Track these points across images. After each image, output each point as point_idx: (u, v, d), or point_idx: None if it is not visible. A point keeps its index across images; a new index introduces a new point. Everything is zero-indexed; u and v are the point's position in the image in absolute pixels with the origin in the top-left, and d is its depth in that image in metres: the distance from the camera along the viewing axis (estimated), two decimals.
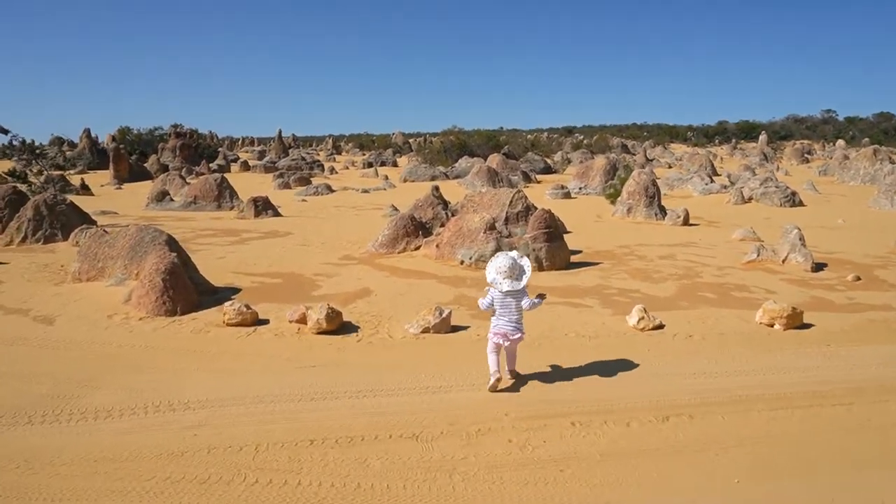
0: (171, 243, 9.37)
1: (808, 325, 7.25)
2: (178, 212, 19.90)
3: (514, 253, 5.82)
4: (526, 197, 12.39)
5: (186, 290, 7.96)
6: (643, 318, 6.98)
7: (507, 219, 12.12)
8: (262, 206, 18.66)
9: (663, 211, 19.06)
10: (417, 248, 12.00)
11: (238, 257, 11.62)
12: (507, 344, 5.48)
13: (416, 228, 12.20)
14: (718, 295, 8.91)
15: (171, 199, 21.11)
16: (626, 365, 5.98)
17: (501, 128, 72.83)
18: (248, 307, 7.24)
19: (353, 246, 12.89)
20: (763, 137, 58.20)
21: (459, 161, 36.52)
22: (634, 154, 45.44)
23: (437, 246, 11.33)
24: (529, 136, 58.09)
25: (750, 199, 23.15)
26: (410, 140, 63.18)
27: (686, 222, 17.68)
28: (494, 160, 32.28)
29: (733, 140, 65.12)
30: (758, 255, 11.03)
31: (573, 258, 11.50)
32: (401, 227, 12.07)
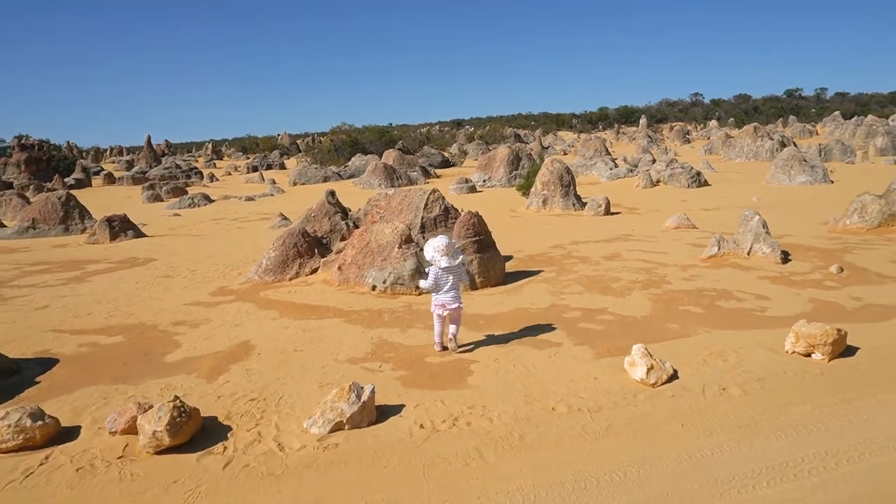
0: None
1: (852, 349, 5.33)
2: (12, 240, 15.78)
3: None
4: (443, 198, 9.95)
5: None
6: (653, 366, 4.75)
7: (423, 226, 9.65)
8: (120, 227, 15.05)
9: (580, 200, 17.33)
10: (314, 272, 9.27)
11: (68, 304, 8.36)
12: (447, 313, 5.79)
13: (310, 246, 9.44)
14: (705, 308, 6.90)
15: (2, 226, 16.87)
16: (680, 482, 3.65)
17: (391, 123, 70.15)
18: (38, 416, 4.28)
19: (233, 273, 9.92)
20: (643, 121, 59.27)
21: (353, 159, 33.60)
22: (528, 143, 44.34)
23: (340, 268, 8.66)
24: (422, 129, 55.84)
25: (658, 181, 22.06)
26: (298, 140, 58.97)
27: (608, 211, 16.00)
28: (391, 156, 29.69)
29: (616, 125, 66.22)
30: (719, 249, 9.24)
31: (507, 266, 9.23)
32: (290, 245, 9.27)
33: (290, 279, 9.07)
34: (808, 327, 5.20)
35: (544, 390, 4.75)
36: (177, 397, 4.23)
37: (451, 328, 5.90)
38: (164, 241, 14.51)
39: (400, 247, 8.32)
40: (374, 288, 8.17)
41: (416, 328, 6.70)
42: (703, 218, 14.11)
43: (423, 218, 9.66)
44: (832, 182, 21.07)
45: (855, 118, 42.99)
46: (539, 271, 9.23)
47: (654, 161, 26.85)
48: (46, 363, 6.07)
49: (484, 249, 8.56)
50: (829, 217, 13.41)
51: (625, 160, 30.15)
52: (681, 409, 4.35)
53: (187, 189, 27.85)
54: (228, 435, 4.27)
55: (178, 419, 4.03)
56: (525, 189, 19.38)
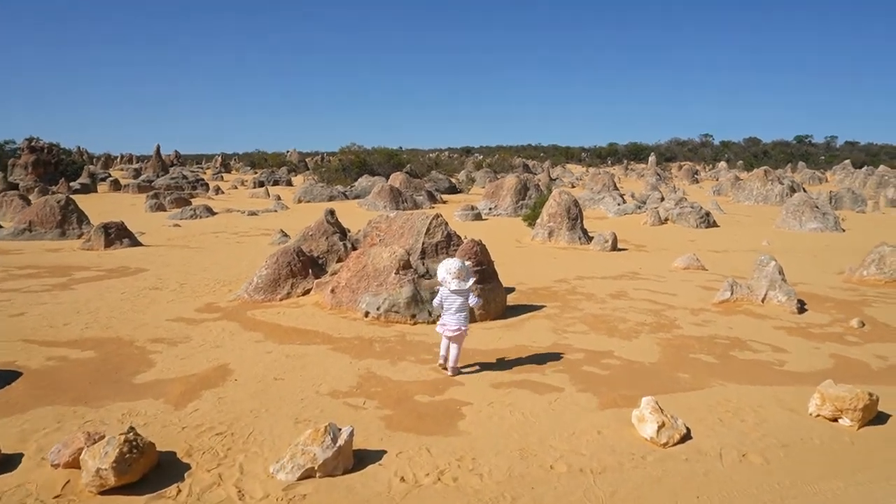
0: None
1: (883, 416, 4.82)
2: (6, 241, 15.43)
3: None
4: (446, 223, 9.55)
5: None
6: (664, 423, 4.26)
7: (423, 251, 9.22)
8: (116, 234, 14.67)
9: (587, 234, 16.92)
10: (307, 293, 8.82)
11: (46, 312, 7.92)
12: (450, 335, 5.76)
13: (304, 266, 9.01)
14: (718, 358, 6.41)
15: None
16: None
17: (401, 147, 70.32)
18: None
19: (223, 289, 9.49)
20: (652, 158, 59.18)
21: (359, 180, 33.35)
22: (536, 174, 44.15)
23: (333, 290, 8.22)
24: (431, 154, 55.85)
25: (666, 219, 21.66)
26: (307, 159, 58.98)
27: (615, 247, 15.56)
28: (398, 179, 29.43)
29: (624, 161, 66.16)
30: (732, 294, 8.76)
31: (508, 298, 8.77)
32: (283, 264, 8.85)
33: (281, 299, 8.62)
34: (835, 389, 4.71)
35: (542, 443, 4.26)
36: (131, 429, 3.76)
37: (453, 350, 5.83)
38: (160, 251, 14.11)
39: (397, 272, 7.89)
40: (367, 314, 7.71)
41: (408, 361, 6.23)
42: (712, 260, 13.66)
43: (423, 243, 9.24)
44: (843, 231, 20.62)
45: (865, 168, 42.71)
46: (542, 306, 8.77)
47: (662, 199, 26.50)
48: (7, 377, 5.60)
49: (485, 280, 8.11)
50: (843, 266, 12.94)
51: (632, 196, 29.82)
52: (696, 476, 3.85)
53: (191, 200, 27.56)
54: (186, 475, 3.78)
55: (127, 455, 3.55)
56: (531, 220, 18.99)
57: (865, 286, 10.74)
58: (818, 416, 4.76)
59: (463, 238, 9.54)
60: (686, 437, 4.33)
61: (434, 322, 7.44)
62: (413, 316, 7.64)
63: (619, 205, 24.61)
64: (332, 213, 10.02)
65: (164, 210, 25.07)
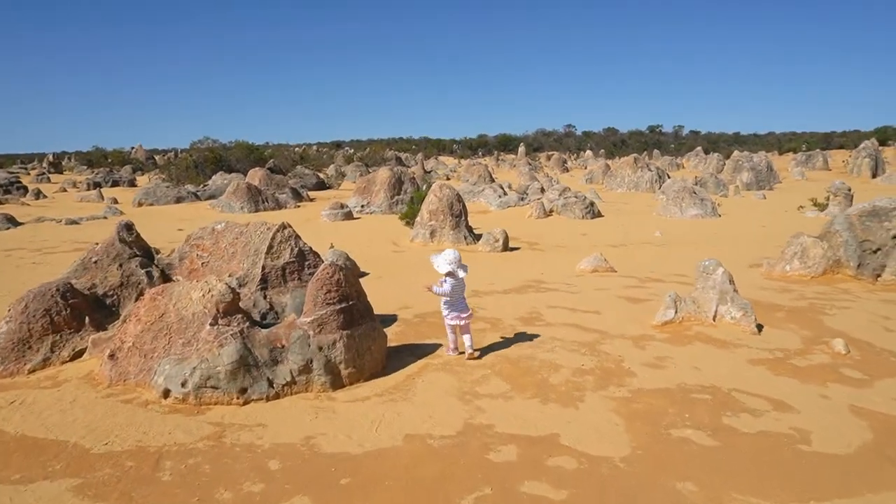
0: None
1: None
2: None
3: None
4: (296, 237, 6.67)
5: None
6: None
7: (264, 279, 6.30)
8: None
9: (472, 233, 14.66)
10: (78, 356, 5.61)
11: None
12: (462, 323, 5.84)
13: (75, 313, 5.77)
14: (714, 434, 4.15)
15: None
16: None
17: (267, 143, 64.98)
18: None
19: None
20: (522, 149, 58.95)
21: (214, 178, 29.07)
22: (410, 166, 41.72)
23: (113, 356, 5.10)
24: (297, 149, 51.58)
25: (551, 211, 20.01)
26: (157, 156, 52.17)
27: (506, 247, 13.40)
28: (256, 176, 25.66)
29: (495, 152, 65.60)
30: (676, 312, 6.71)
31: (389, 334, 6.13)
32: (37, 313, 5.56)
33: (32, 371, 5.35)
34: None
35: None
36: None
37: (466, 339, 5.90)
38: None
39: (215, 322, 4.94)
40: (166, 394, 4.71)
41: (222, 500, 3.39)
42: (615, 257, 11.83)
43: (265, 267, 6.32)
44: (720, 216, 20.09)
45: (717, 154, 44.62)
46: (436, 345, 6.20)
47: (542, 189, 25.04)
48: None
49: (354, 322, 5.38)
50: (751, 258, 11.65)
51: (510, 187, 28.24)
52: None
53: None
54: None
55: None
56: (409, 218, 16.43)
57: (793, 283, 9.27)
58: None
59: (321, 257, 6.73)
60: None
61: (279, 396, 4.69)
62: (243, 391, 4.76)
63: (500, 197, 22.74)
64: (128, 227, 6.78)
65: None
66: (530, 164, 46.23)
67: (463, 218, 14.62)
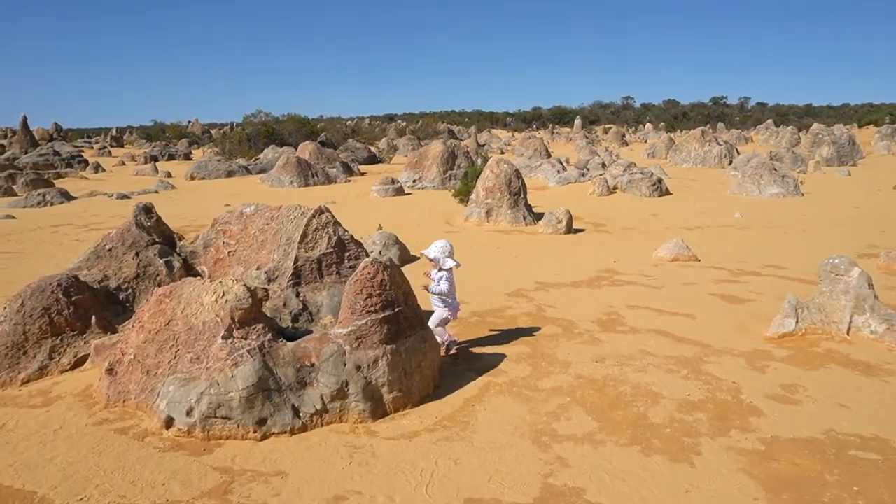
0: None
1: None
2: None
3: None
4: (335, 222, 5.62)
5: None
6: None
7: (297, 274, 5.29)
8: None
9: (532, 212, 13.38)
10: (81, 363, 4.76)
11: None
12: (454, 318, 5.44)
13: (80, 311, 4.91)
14: None
15: None
16: None
17: (321, 116, 64.56)
18: None
19: None
20: (578, 122, 56.52)
21: (265, 151, 28.55)
22: (463, 139, 40.35)
23: (112, 371, 4.19)
24: (349, 122, 50.84)
25: (615, 188, 18.45)
26: (213, 130, 52.38)
27: (570, 228, 12.08)
28: (307, 149, 24.91)
29: (550, 125, 63.24)
30: (797, 322, 5.36)
31: (442, 346, 5.08)
32: (34, 313, 4.71)
33: (26, 381, 4.52)
34: None
35: None
36: None
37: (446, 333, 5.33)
38: None
39: (229, 335, 3.94)
40: (169, 423, 3.77)
41: None
42: (693, 242, 10.36)
43: (297, 259, 5.30)
44: (802, 195, 18.07)
45: (790, 127, 41.41)
46: (500, 356, 5.09)
47: (604, 165, 23.36)
48: None
49: (401, 333, 4.30)
50: (858, 246, 9.99)
51: (567, 162, 26.60)
52: None
53: (53, 181, 22.18)
54: None
55: None
56: (463, 195, 15.25)
57: None
58: None
59: (365, 248, 5.66)
60: None
61: (305, 428, 3.69)
62: (261, 422, 3.77)
63: (559, 172, 21.25)
64: (147, 210, 5.88)
65: (14, 195, 19.74)
66: (587, 138, 44.12)
67: (522, 196, 13.35)
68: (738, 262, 9.02)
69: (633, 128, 63.81)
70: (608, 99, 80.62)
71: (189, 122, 54.63)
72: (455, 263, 5.21)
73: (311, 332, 4.82)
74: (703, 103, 75.37)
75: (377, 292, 4.21)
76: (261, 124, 34.11)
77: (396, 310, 4.30)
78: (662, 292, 7.20)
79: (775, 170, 18.83)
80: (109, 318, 5.10)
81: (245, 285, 4.14)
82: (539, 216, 12.97)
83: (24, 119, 31.80)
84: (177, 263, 5.69)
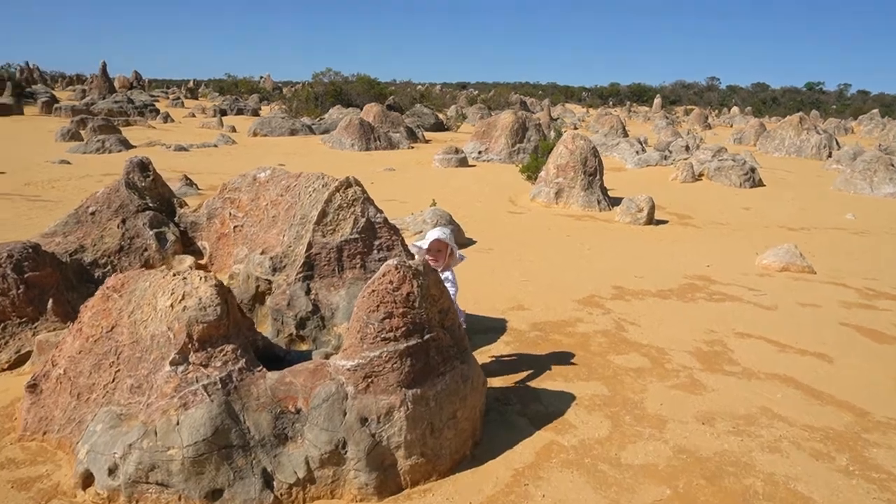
0: None
1: None
2: None
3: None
4: (364, 200, 4.29)
5: None
6: None
7: (310, 263, 4.03)
8: None
9: (608, 196, 11.71)
10: (22, 362, 3.69)
11: None
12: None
13: (36, 294, 3.83)
14: None
15: None
16: None
17: (393, 80, 63.32)
18: None
19: None
20: (658, 101, 52.95)
21: (331, 111, 27.58)
22: (535, 112, 38.23)
23: (35, 387, 3.07)
24: (420, 87, 49.36)
25: (701, 175, 16.37)
26: (285, 87, 52.01)
27: (651, 219, 10.38)
28: (371, 111, 23.72)
29: (627, 102, 59.67)
30: None
31: (489, 370, 3.75)
32: None
33: None
34: None
35: None
36: None
37: None
38: None
39: (183, 360, 2.71)
40: (87, 482, 2.59)
41: None
42: (803, 248, 8.51)
43: (311, 245, 4.03)
44: None
45: None
46: (569, 396, 3.69)
47: (687, 148, 21.08)
48: None
49: (432, 371, 2.96)
50: None
51: (646, 142, 24.34)
52: None
53: (120, 129, 21.92)
54: None
55: None
56: (531, 171, 13.67)
57: None
58: None
59: (403, 239, 4.32)
60: None
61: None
62: (213, 495, 2.53)
63: (637, 153, 19.23)
64: (142, 166, 4.73)
65: (80, 140, 19.53)
66: (667, 118, 41.09)
67: (598, 177, 11.68)
68: (866, 279, 7.19)
69: (717, 111, 59.44)
70: (691, 79, 75.53)
71: (261, 77, 54.50)
72: (463, 257, 3.99)
73: (315, 349, 3.55)
74: (797, 88, 69.31)
75: (400, 311, 2.87)
76: (329, 83, 33.16)
77: (427, 337, 2.95)
78: (777, 315, 5.56)
79: (892, 165, 16.23)
80: (74, 301, 4.00)
81: (217, 285, 2.88)
82: (615, 201, 11.31)
83: (104, 65, 31.99)
84: (171, 237, 4.53)
